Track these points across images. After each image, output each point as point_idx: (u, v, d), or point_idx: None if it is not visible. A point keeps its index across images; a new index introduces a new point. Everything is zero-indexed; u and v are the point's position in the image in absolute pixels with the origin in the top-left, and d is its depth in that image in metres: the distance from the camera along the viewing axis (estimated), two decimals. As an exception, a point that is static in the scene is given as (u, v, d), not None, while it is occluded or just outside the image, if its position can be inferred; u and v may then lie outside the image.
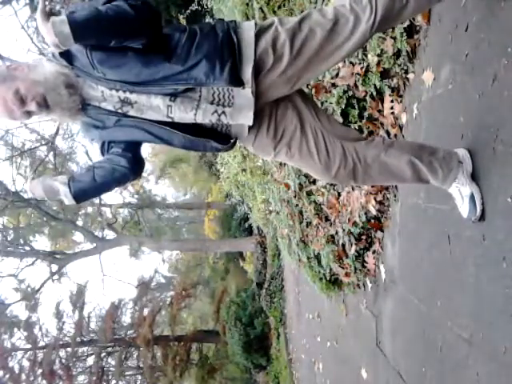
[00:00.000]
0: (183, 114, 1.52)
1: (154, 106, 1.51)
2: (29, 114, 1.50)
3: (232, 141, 1.62)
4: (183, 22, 7.40)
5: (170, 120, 1.53)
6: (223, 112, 1.53)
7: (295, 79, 1.55)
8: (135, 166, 1.66)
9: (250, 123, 1.56)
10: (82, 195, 1.63)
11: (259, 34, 1.52)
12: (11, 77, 1.47)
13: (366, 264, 3.26)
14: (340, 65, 2.76)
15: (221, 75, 1.45)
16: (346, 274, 3.58)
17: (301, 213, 4.41)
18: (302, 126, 1.65)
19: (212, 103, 1.51)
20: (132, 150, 1.65)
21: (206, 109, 1.51)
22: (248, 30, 1.52)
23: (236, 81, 1.47)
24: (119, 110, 1.54)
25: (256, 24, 1.55)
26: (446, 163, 1.66)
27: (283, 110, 1.64)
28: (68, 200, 1.62)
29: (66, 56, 1.48)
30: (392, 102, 2.49)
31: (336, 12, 1.52)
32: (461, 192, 1.66)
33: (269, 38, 1.51)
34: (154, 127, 1.55)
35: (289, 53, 1.50)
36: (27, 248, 17.78)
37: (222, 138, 1.60)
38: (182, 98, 1.50)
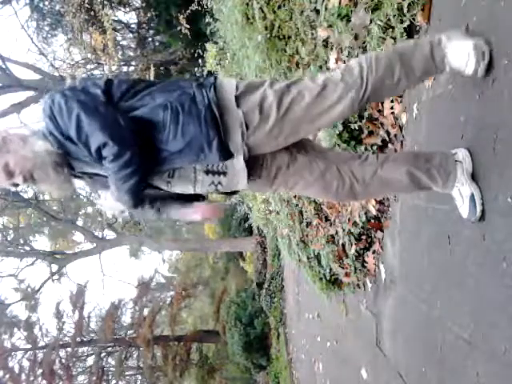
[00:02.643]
0: (183, 189, 1.63)
1: (155, 183, 1.62)
2: (15, 185, 1.57)
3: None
4: (183, 21, 7.42)
5: (167, 189, 1.64)
6: (219, 182, 1.61)
7: (282, 139, 1.60)
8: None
9: (245, 187, 1.65)
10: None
11: (246, 92, 1.56)
12: (5, 149, 1.52)
13: (365, 264, 3.26)
14: (340, 65, 2.76)
15: (210, 153, 1.51)
16: (346, 274, 3.58)
17: (301, 213, 4.41)
18: (294, 160, 1.68)
19: (207, 173, 1.59)
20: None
21: (203, 180, 1.60)
22: (229, 93, 1.55)
23: (226, 155, 1.54)
24: None
25: (238, 85, 1.57)
26: (444, 168, 1.67)
27: (271, 155, 1.68)
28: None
29: (60, 144, 1.52)
30: (392, 101, 2.49)
31: (326, 78, 1.58)
32: (461, 192, 1.65)
33: (257, 97, 1.55)
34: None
35: (275, 113, 1.54)
36: (27, 248, 17.79)
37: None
38: (179, 173, 1.59)
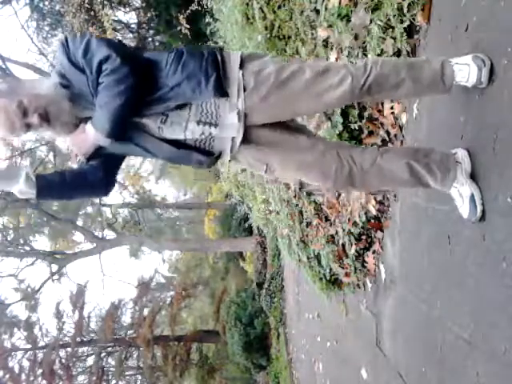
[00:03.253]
0: (173, 135, 1.60)
1: (146, 125, 1.59)
2: (28, 127, 1.54)
3: (215, 155, 1.67)
4: (183, 21, 7.41)
5: (158, 135, 1.60)
6: (210, 133, 1.60)
7: (278, 110, 1.60)
8: (108, 182, 1.73)
9: (239, 136, 1.61)
10: (47, 190, 1.61)
11: (248, 59, 1.61)
12: (14, 91, 1.53)
13: (365, 264, 3.26)
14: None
15: (206, 88, 1.53)
16: (346, 274, 3.58)
17: (301, 213, 4.41)
18: (296, 139, 1.69)
19: (199, 123, 1.58)
20: (109, 166, 1.71)
21: (193, 130, 1.59)
22: (234, 55, 1.60)
23: (221, 92, 1.54)
24: None
25: (242, 53, 1.63)
26: (444, 164, 1.67)
27: (272, 130, 1.68)
28: (28, 190, 1.56)
29: (65, 80, 1.55)
30: (392, 101, 2.49)
31: (329, 63, 1.64)
32: (460, 193, 1.65)
33: (257, 64, 1.59)
34: (144, 138, 1.60)
35: (273, 80, 1.56)
36: (27, 248, 17.78)
37: (206, 153, 1.65)
38: (171, 119, 1.57)
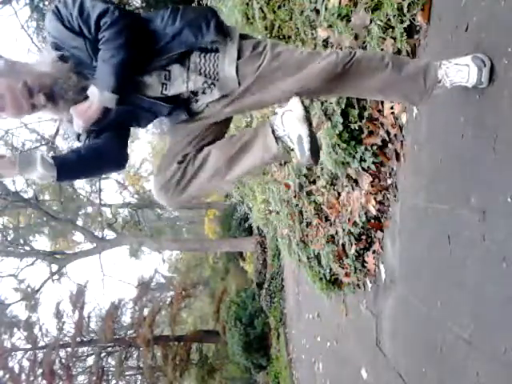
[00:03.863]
0: (177, 89, 1.59)
1: (148, 84, 1.57)
2: (34, 107, 1.51)
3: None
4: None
5: (162, 95, 1.60)
6: (212, 83, 1.60)
7: (263, 82, 1.60)
8: (122, 154, 1.71)
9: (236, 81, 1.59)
10: (66, 170, 1.54)
11: (246, 37, 1.65)
12: (15, 70, 1.49)
13: (365, 264, 3.26)
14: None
15: (208, 30, 1.54)
16: (346, 274, 3.58)
17: (301, 213, 4.41)
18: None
19: (200, 74, 1.58)
20: (119, 139, 1.69)
21: (195, 80, 1.58)
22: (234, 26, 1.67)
23: (222, 32, 1.56)
24: None
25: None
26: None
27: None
28: (47, 174, 1.49)
29: (63, 50, 1.53)
30: (392, 101, 2.49)
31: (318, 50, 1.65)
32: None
33: (253, 41, 1.64)
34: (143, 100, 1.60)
35: (269, 52, 1.59)
36: (27, 248, 17.77)
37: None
38: (174, 74, 1.57)
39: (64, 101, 1.53)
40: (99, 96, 1.49)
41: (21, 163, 1.47)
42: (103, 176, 16.67)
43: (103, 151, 1.64)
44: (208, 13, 1.58)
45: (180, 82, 1.58)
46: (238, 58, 1.59)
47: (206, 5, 1.71)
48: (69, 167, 1.55)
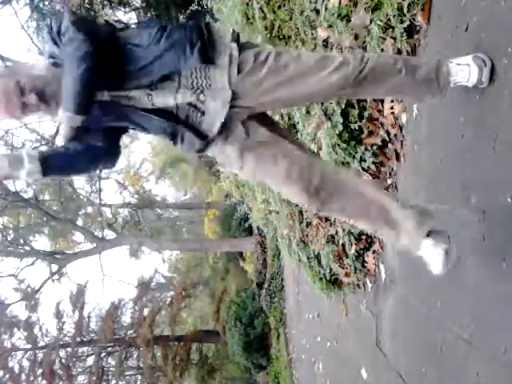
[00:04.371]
0: (164, 100, 1.56)
1: (134, 98, 1.56)
2: (25, 107, 1.53)
3: (210, 139, 1.61)
4: (183, 22, 7.40)
5: (150, 106, 1.57)
6: (202, 92, 1.56)
7: (269, 96, 1.57)
8: (112, 152, 1.71)
9: (228, 99, 1.55)
10: (52, 165, 1.57)
11: (246, 46, 1.59)
12: (11, 72, 1.55)
13: (365, 264, 3.26)
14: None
15: (191, 55, 1.50)
16: (346, 274, 3.58)
17: (301, 213, 4.41)
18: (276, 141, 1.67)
19: (190, 88, 1.55)
20: (111, 137, 1.68)
21: (184, 93, 1.55)
22: (224, 31, 1.60)
23: (206, 58, 1.51)
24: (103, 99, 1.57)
25: (235, 32, 1.61)
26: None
27: (254, 127, 1.66)
28: (34, 171, 1.53)
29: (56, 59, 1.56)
30: (392, 101, 2.49)
31: (326, 54, 1.60)
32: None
33: (255, 49, 1.58)
34: (135, 114, 1.58)
35: (272, 63, 1.54)
36: (27, 248, 17.76)
37: (193, 131, 1.61)
38: (161, 87, 1.54)
39: (56, 102, 1.54)
40: (64, 115, 1.51)
41: (10, 163, 1.51)
42: (101, 175, 16.67)
43: (91, 150, 1.64)
44: (194, 34, 1.52)
45: (168, 94, 1.55)
46: (239, 71, 1.54)
47: (199, 21, 1.63)
48: (55, 162, 1.58)
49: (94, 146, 1.64)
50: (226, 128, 1.60)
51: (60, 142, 1.56)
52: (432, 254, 1.60)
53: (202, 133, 1.61)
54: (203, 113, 1.58)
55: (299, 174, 1.62)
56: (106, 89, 1.53)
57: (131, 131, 1.75)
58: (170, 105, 1.56)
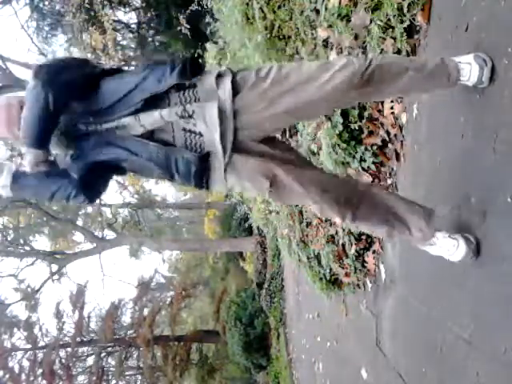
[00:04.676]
0: (150, 118, 1.54)
1: (124, 125, 1.56)
2: None
3: (205, 153, 1.56)
4: (183, 22, 7.42)
5: (142, 130, 1.56)
6: (192, 111, 1.54)
7: (275, 107, 1.54)
8: (89, 188, 1.64)
9: (215, 114, 1.52)
10: (18, 184, 1.60)
11: (242, 69, 1.60)
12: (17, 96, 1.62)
13: (365, 264, 3.26)
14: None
15: (171, 75, 1.50)
16: (346, 274, 3.58)
17: (301, 213, 4.41)
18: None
19: (178, 105, 1.53)
20: (95, 173, 1.64)
21: (170, 110, 1.53)
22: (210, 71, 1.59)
23: (186, 75, 1.50)
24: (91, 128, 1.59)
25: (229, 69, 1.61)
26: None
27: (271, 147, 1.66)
28: (5, 184, 1.59)
29: None
30: (392, 101, 2.49)
31: (328, 60, 1.62)
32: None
33: (254, 69, 1.59)
34: (128, 141, 1.57)
35: (275, 74, 1.54)
36: (27, 248, 17.78)
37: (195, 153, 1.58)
38: (147, 111, 1.53)
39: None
40: (26, 150, 1.52)
41: None
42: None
43: (65, 179, 1.60)
44: (177, 60, 1.53)
45: (155, 113, 1.53)
46: (237, 91, 1.53)
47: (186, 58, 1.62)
48: (22, 180, 1.61)
49: (69, 176, 1.60)
50: (239, 151, 1.58)
51: (27, 169, 1.55)
52: (449, 244, 1.66)
53: (204, 156, 1.57)
54: (200, 134, 1.55)
55: (327, 195, 1.64)
56: (85, 122, 1.56)
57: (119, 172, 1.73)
58: (158, 121, 1.54)
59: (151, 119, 1.54)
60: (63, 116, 1.54)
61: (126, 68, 1.66)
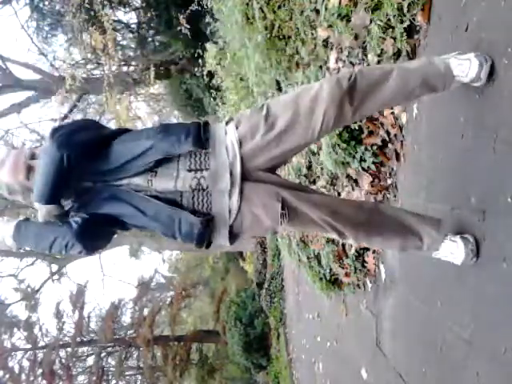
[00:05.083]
0: (164, 185, 1.58)
1: (135, 184, 1.59)
2: (30, 170, 1.60)
3: (209, 217, 1.59)
4: (183, 21, 7.42)
5: (153, 192, 1.59)
6: (202, 176, 1.58)
7: (276, 143, 1.58)
8: (87, 240, 1.62)
9: (227, 187, 1.58)
10: (23, 233, 1.63)
11: (238, 121, 1.64)
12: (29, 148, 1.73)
13: (365, 264, 3.26)
14: (340, 65, 2.76)
15: (186, 140, 1.55)
16: (346, 274, 3.58)
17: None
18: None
19: (190, 171, 1.57)
20: (96, 226, 1.64)
21: (185, 177, 1.57)
22: (220, 125, 1.66)
23: (200, 143, 1.56)
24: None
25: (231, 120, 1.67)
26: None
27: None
28: (7, 241, 1.62)
29: None
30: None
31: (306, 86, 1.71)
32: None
33: (246, 120, 1.63)
34: (135, 196, 1.59)
35: (264, 122, 1.57)
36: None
37: (200, 215, 1.60)
38: (161, 171, 1.57)
39: None
40: (38, 206, 1.57)
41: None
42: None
43: (67, 232, 1.59)
44: (191, 126, 1.59)
45: (168, 179, 1.57)
46: (247, 141, 1.58)
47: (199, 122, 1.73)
48: (25, 234, 1.63)
49: (70, 225, 1.59)
50: (248, 180, 1.61)
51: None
52: (452, 247, 1.68)
53: (209, 214, 1.60)
54: (209, 194, 1.59)
55: (337, 215, 1.65)
56: (93, 180, 1.60)
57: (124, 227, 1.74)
58: (170, 188, 1.58)
59: (164, 186, 1.58)
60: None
61: (137, 128, 1.73)
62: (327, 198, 1.79)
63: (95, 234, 1.66)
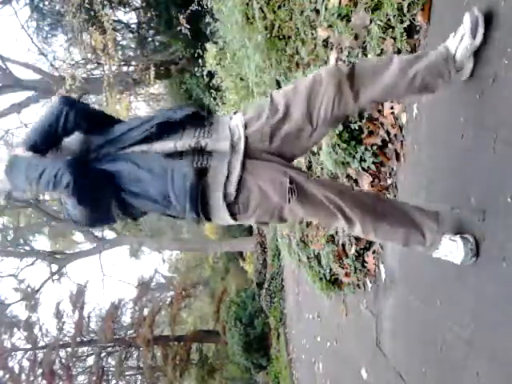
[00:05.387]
0: (163, 146, 1.62)
1: (140, 150, 1.64)
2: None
3: (203, 167, 1.60)
4: (183, 21, 7.41)
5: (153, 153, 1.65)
6: (203, 138, 1.63)
7: (285, 120, 1.62)
8: (79, 178, 1.59)
9: (227, 149, 1.60)
10: (16, 172, 1.67)
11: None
12: None
13: (365, 264, 3.26)
14: (340, 64, 2.75)
15: (187, 109, 1.65)
16: (346, 274, 3.58)
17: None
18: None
19: (193, 138, 1.62)
20: (94, 175, 1.66)
21: (185, 141, 1.61)
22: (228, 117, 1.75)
23: (201, 111, 1.66)
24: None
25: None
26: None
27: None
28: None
29: None
30: (392, 101, 2.49)
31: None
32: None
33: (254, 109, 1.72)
34: (133, 154, 1.62)
35: (268, 109, 1.63)
36: (27, 248, 17.78)
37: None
38: (163, 139, 1.63)
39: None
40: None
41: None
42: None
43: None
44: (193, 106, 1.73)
45: (169, 142, 1.62)
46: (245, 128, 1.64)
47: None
48: (17, 165, 1.65)
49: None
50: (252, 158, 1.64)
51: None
52: (452, 246, 1.68)
53: (201, 170, 1.60)
54: (208, 155, 1.62)
55: (344, 196, 1.65)
56: (98, 151, 1.65)
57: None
58: (171, 150, 1.61)
59: (164, 147, 1.61)
60: (79, 145, 1.66)
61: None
62: (333, 181, 1.82)
63: (90, 186, 1.59)
